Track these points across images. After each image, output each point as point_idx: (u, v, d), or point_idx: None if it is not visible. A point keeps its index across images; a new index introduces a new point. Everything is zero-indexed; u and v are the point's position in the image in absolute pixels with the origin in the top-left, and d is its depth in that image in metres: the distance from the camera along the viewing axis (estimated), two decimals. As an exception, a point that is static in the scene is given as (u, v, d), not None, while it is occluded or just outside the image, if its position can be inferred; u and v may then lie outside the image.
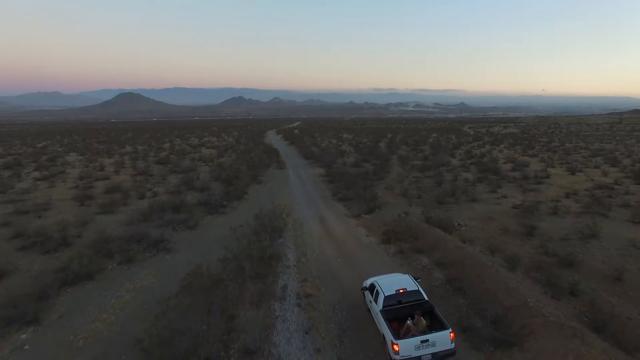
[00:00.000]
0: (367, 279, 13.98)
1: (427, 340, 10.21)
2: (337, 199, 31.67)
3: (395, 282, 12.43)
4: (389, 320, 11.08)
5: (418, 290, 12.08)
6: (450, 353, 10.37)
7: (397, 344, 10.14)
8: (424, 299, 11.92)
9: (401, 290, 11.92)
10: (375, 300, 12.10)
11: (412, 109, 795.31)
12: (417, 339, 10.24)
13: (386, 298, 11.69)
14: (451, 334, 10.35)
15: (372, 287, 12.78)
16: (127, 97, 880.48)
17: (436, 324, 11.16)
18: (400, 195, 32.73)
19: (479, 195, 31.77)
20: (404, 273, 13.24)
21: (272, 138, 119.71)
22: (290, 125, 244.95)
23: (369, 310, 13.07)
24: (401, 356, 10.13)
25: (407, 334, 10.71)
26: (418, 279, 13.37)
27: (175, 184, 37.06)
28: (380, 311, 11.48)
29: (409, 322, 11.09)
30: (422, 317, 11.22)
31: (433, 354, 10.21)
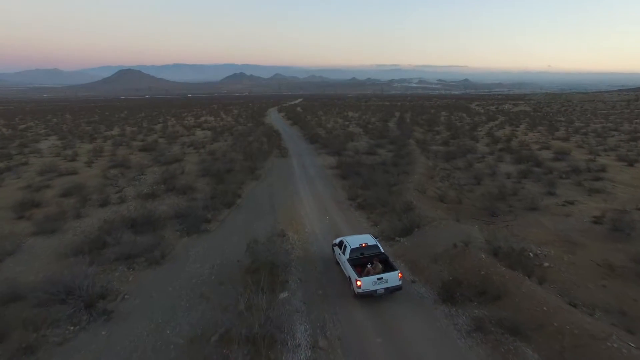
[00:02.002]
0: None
1: (382, 278, 12.98)
2: (356, 206, 24.25)
3: (359, 239, 15.13)
4: (354, 266, 13.81)
5: (376, 245, 14.92)
6: (398, 288, 13.23)
7: (360, 281, 12.90)
8: (381, 251, 14.76)
9: (364, 245, 14.65)
10: (343, 252, 14.70)
11: (415, 85, 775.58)
12: (374, 277, 12.99)
13: (352, 250, 14.42)
14: (399, 274, 13.25)
15: (340, 243, 15.40)
16: (127, 74, 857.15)
17: (389, 269, 13.68)
18: (436, 200, 25.31)
19: (537, 201, 24.28)
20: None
21: (274, 117, 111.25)
22: (292, 103, 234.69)
23: (337, 263, 15.69)
24: (363, 290, 12.90)
25: (367, 275, 13.33)
26: (377, 237, 16.69)
27: (153, 181, 29.65)
28: (347, 260, 14.16)
29: (369, 266, 13.82)
30: (378, 263, 13.87)
31: (385, 289, 13.02)
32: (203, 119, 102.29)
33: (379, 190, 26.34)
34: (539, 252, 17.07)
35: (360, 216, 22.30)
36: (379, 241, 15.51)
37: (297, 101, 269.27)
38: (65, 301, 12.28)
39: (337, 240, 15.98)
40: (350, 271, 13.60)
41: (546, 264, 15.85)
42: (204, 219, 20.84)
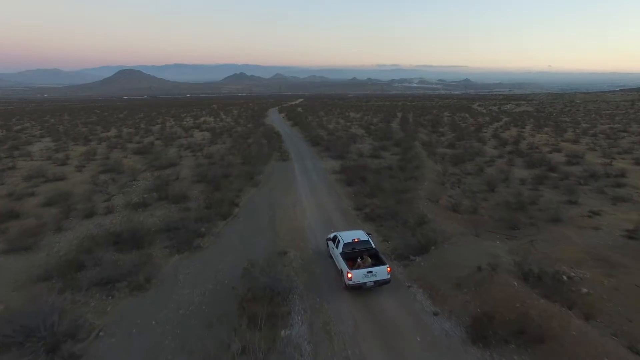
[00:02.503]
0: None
1: (371, 272, 13.66)
2: (363, 217, 22.25)
3: (352, 234, 15.98)
4: (346, 259, 14.52)
5: (368, 240, 15.73)
6: (386, 281, 13.92)
7: (350, 273, 13.61)
8: (372, 246, 15.56)
9: (356, 240, 15.50)
10: (337, 246, 15.54)
11: (415, 85, 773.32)
12: (364, 270, 13.68)
13: (345, 245, 15.22)
14: (388, 268, 13.90)
15: (334, 238, 16.31)
16: (127, 74, 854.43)
17: (379, 263, 14.40)
18: (449, 210, 23.29)
19: (560, 211, 22.23)
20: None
21: (274, 118, 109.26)
22: (293, 103, 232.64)
23: (330, 256, 16.56)
24: (353, 282, 13.57)
25: (358, 268, 13.97)
26: (369, 234, 16.76)
27: (145, 188, 27.62)
28: (340, 253, 14.93)
29: (359, 260, 14.63)
30: (368, 257, 14.83)
31: (375, 282, 13.71)
32: (202, 119, 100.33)
33: (387, 198, 24.34)
34: (573, 274, 15.03)
35: (369, 229, 20.27)
36: (371, 237, 16.24)
37: (297, 101, 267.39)
38: (24, 343, 10.27)
39: (331, 235, 16.82)
40: (342, 264, 14.38)
41: (584, 290, 13.81)
42: (197, 233, 18.81)
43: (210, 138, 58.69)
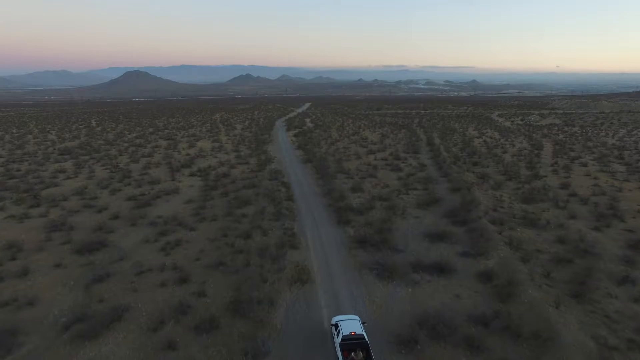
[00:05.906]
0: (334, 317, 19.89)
1: None
2: None
3: (350, 326, 18.24)
4: (342, 350, 17.26)
5: (362, 334, 17.84)
6: None
7: None
8: (365, 339, 17.67)
9: (353, 333, 17.74)
10: (337, 335, 18.03)
11: (422, 86, 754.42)
12: None
13: (344, 337, 17.61)
14: None
15: (336, 325, 18.62)
16: (134, 76, 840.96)
17: (369, 357, 16.96)
18: None
19: None
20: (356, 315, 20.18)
21: (282, 141, 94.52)
22: (300, 110, 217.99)
23: (332, 339, 18.82)
24: None
25: None
26: (364, 323, 19.24)
27: None
28: (339, 343, 17.51)
29: (352, 354, 17.03)
30: (360, 352, 17.09)
31: None
32: (199, 145, 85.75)
33: None
34: None
35: None
36: (364, 327, 18.73)
37: (305, 107, 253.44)
38: None
39: (334, 322, 19.06)
40: (339, 354, 17.20)
41: None
42: None
43: (199, 196, 43.75)
